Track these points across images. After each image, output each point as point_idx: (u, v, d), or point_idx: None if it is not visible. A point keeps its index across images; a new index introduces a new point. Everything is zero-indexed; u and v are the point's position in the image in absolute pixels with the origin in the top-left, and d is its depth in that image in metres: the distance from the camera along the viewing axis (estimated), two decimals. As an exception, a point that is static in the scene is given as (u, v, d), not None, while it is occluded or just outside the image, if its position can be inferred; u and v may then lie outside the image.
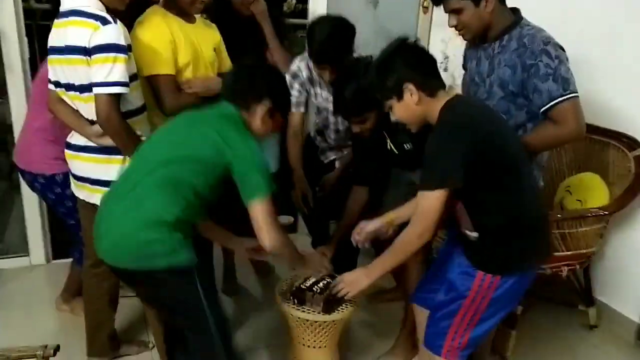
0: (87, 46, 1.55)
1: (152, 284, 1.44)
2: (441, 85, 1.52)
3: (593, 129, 2.29)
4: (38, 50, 3.74)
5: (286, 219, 3.39)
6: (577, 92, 1.64)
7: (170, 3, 1.87)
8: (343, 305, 1.80)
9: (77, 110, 1.69)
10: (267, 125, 1.57)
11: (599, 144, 2.34)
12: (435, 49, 3.03)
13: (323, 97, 2.34)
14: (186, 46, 1.85)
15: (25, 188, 2.45)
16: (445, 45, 3.01)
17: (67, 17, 1.60)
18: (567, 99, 1.62)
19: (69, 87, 1.65)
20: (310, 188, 2.40)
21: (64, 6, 1.62)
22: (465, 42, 1.93)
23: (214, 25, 2.07)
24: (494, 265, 1.49)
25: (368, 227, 1.76)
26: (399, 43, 1.55)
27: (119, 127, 1.60)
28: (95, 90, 1.56)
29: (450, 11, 1.73)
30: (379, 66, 1.54)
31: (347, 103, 1.85)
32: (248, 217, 1.46)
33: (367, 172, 2.01)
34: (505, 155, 1.45)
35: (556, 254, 2.04)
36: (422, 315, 1.71)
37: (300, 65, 2.30)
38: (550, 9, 2.38)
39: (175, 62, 1.83)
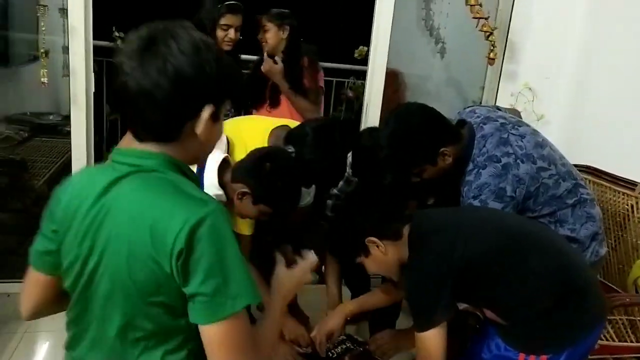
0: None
1: None
2: (402, 223, 1.44)
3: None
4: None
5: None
6: None
7: None
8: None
9: None
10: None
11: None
12: (503, 103, 2.85)
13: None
14: None
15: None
16: (515, 99, 2.82)
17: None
18: None
19: None
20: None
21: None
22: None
23: None
24: (535, 344, 1.31)
25: (327, 326, 1.74)
26: (346, 202, 1.56)
27: None
28: None
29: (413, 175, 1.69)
30: (334, 233, 1.56)
31: None
32: None
33: None
34: (492, 250, 1.33)
35: (623, 344, 1.76)
36: None
37: None
38: None
39: None
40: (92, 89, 2.49)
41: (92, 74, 2.48)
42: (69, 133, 2.54)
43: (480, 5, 2.51)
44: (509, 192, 1.58)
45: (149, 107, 0.90)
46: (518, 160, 1.59)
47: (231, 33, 2.35)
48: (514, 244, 1.34)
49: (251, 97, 2.54)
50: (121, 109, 0.94)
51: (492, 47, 2.60)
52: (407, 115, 1.66)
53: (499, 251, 1.33)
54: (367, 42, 4.46)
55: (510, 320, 1.34)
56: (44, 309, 1.09)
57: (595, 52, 2.62)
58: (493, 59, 2.63)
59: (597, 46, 2.60)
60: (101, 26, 2.49)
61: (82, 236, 0.96)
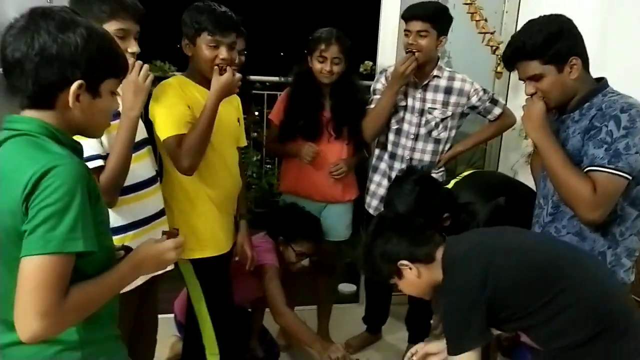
0: None
1: None
2: (434, 244, 1.46)
3: None
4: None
5: (348, 288, 3.24)
6: (624, 173, 1.39)
7: (194, 73, 1.84)
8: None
9: None
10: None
11: None
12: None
13: (409, 94, 2.27)
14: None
15: None
16: (524, 111, 2.80)
17: None
18: (607, 172, 1.38)
19: None
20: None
21: None
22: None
23: (237, 97, 1.99)
24: None
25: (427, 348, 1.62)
26: (375, 224, 1.54)
27: None
28: None
29: (527, 78, 1.53)
30: (365, 255, 1.53)
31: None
32: None
33: None
34: (525, 281, 1.33)
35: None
36: None
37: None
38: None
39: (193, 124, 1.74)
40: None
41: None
42: None
43: (486, 20, 2.52)
44: None
45: (21, 75, 1.04)
46: None
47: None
48: (551, 274, 1.32)
49: (306, 129, 2.36)
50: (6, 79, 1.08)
51: (498, 62, 2.60)
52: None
53: (533, 282, 1.32)
54: (371, 57, 4.45)
55: (546, 347, 1.34)
56: None
57: (604, 62, 2.60)
58: (500, 73, 2.63)
59: (607, 55, 2.58)
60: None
61: None
